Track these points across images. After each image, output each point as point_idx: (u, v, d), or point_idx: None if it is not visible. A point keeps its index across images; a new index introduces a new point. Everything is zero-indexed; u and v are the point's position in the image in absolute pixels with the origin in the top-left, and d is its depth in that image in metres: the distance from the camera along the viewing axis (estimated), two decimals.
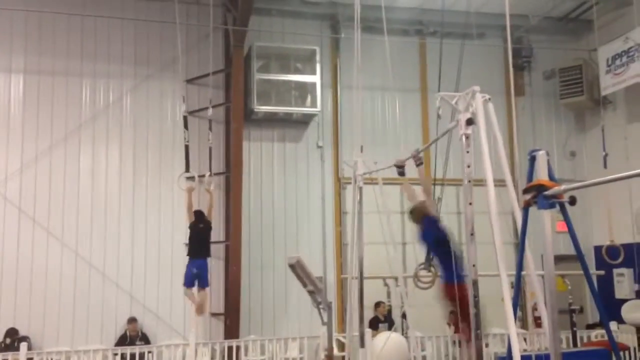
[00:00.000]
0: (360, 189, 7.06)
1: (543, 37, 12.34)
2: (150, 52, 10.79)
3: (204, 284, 8.02)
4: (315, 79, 10.99)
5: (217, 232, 10.55)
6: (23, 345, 8.17)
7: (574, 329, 8.87)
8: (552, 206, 3.67)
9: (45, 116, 10.30)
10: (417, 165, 5.92)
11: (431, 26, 11.64)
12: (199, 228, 8.12)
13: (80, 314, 9.89)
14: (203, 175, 8.70)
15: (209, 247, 8.37)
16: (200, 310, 8.01)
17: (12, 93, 10.31)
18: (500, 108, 11.34)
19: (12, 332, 9.40)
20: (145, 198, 10.44)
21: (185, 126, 8.68)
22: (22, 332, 9.52)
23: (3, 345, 9.21)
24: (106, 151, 10.52)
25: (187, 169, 8.35)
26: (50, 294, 9.84)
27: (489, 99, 4.59)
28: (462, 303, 4.82)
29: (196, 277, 7.97)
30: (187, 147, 8.52)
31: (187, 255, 8.25)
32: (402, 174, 6.11)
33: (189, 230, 8.27)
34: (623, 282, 11.10)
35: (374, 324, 9.87)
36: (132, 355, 8.59)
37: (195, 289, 8.00)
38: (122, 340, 9.70)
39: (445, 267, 5.27)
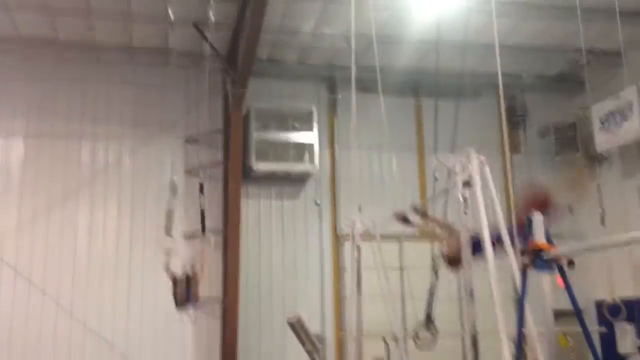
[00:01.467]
0: (359, 247, 7.06)
1: (537, 96, 12.59)
2: (149, 113, 10.98)
3: None
4: (312, 137, 11.15)
5: (215, 291, 10.49)
6: None
7: None
8: (550, 268, 3.70)
9: (44, 177, 10.39)
10: (422, 217, 5.93)
11: (426, 86, 11.89)
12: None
13: None
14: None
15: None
16: None
17: (13, 155, 10.44)
18: (496, 165, 11.49)
19: None
20: (142, 259, 10.38)
21: (171, 190, 8.68)
22: None
23: None
24: (104, 212, 10.54)
25: (168, 232, 8.29)
26: (44, 356, 9.65)
27: (485, 160, 4.68)
28: None
29: None
30: (171, 212, 8.48)
31: None
32: (406, 220, 6.09)
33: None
34: (626, 338, 10.94)
35: None
36: None
37: None
38: None
39: None
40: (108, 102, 10.88)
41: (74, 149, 10.62)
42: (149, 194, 10.68)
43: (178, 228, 9.66)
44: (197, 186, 10.30)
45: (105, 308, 10.08)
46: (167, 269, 7.90)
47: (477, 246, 5.09)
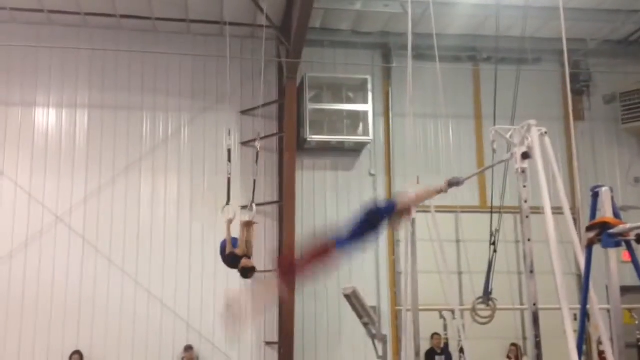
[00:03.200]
0: (414, 219, 6.98)
1: (602, 61, 12.01)
2: (206, 85, 11.11)
3: None
4: (367, 107, 11.03)
5: (270, 261, 10.66)
6: None
7: None
8: (617, 245, 3.56)
9: (108, 148, 10.73)
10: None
11: (485, 52, 11.53)
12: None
13: (139, 341, 10.12)
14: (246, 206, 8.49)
15: None
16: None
17: (78, 127, 10.80)
18: (559, 134, 11.14)
19: (76, 356, 9.70)
20: (202, 227, 10.64)
21: (229, 159, 8.69)
22: (86, 357, 9.81)
23: None
24: (165, 181, 10.83)
25: (228, 202, 8.31)
26: (111, 321, 10.12)
27: (546, 132, 4.50)
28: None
29: None
30: (229, 180, 8.51)
31: None
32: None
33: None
34: None
35: (430, 356, 9.69)
36: None
37: None
38: None
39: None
40: (167, 73, 11.07)
41: (136, 120, 10.90)
42: (207, 164, 10.88)
43: (236, 198, 9.76)
44: (253, 157, 10.43)
45: (167, 275, 10.43)
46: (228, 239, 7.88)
47: None
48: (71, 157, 10.64)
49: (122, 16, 10.70)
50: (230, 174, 8.47)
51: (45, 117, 10.78)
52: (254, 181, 8.22)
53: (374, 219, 4.82)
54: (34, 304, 10.00)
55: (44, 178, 10.45)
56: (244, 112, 11.02)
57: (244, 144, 10.83)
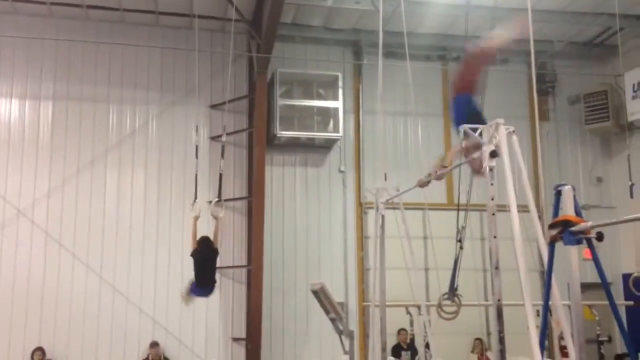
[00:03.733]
0: (383, 216, 7.03)
1: (568, 62, 12.27)
2: (175, 78, 10.99)
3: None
4: (337, 104, 11.06)
5: (239, 257, 10.64)
6: None
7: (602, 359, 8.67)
8: (579, 242, 3.63)
9: (72, 141, 10.52)
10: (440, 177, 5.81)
11: (454, 51, 11.66)
12: (205, 255, 7.71)
13: (104, 337, 9.97)
14: (217, 201, 8.42)
15: (214, 275, 7.97)
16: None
17: (42, 119, 10.56)
18: (524, 133, 11.30)
19: (38, 352, 9.51)
20: (169, 222, 10.54)
21: (196, 155, 8.64)
22: (48, 354, 9.62)
23: None
24: (132, 175, 10.67)
25: (196, 198, 8.26)
26: (74, 317, 9.94)
27: (513, 131, 4.57)
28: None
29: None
30: (196, 176, 8.46)
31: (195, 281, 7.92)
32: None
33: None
34: None
35: (397, 352, 9.78)
36: None
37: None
38: None
39: None
40: (135, 65, 10.90)
41: (102, 112, 10.72)
42: (175, 159, 10.76)
43: (205, 192, 9.69)
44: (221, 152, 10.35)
45: (133, 271, 10.30)
46: (194, 235, 7.89)
47: None
48: (34, 149, 10.41)
49: (89, 6, 10.50)
50: (197, 170, 8.42)
51: (8, 108, 10.50)
52: (220, 175, 8.14)
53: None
54: None
55: (5, 171, 10.20)
56: (213, 107, 10.93)
57: (213, 138, 10.75)
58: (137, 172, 10.69)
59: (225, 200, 9.08)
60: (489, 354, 10.15)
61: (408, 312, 8.29)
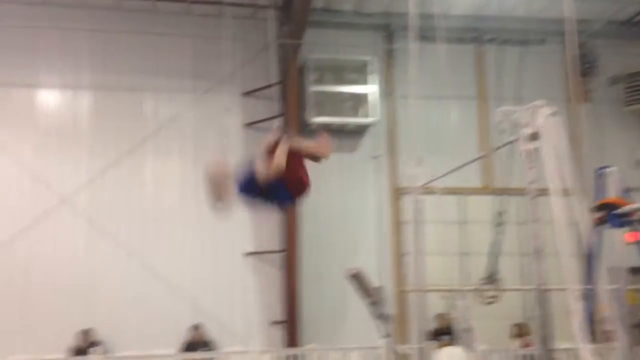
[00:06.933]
0: (419, 201, 7.00)
1: (607, 42, 11.90)
2: (207, 66, 11.04)
3: None
4: (369, 89, 11.01)
5: (275, 242, 10.72)
6: (93, 351, 8.77)
7: None
8: (623, 225, 3.58)
9: (111, 130, 10.70)
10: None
11: (488, 33, 11.44)
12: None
13: (146, 321, 10.12)
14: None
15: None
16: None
17: (81, 108, 10.76)
18: (562, 116, 11.04)
19: (86, 335, 9.72)
20: (206, 207, 10.60)
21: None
22: (94, 336, 9.84)
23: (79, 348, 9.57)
24: (168, 163, 10.83)
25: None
26: (117, 301, 10.14)
27: (555, 112, 4.49)
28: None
29: None
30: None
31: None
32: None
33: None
34: None
35: (436, 336, 9.76)
36: None
37: None
38: (187, 347, 9.94)
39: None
40: (168, 54, 10.99)
41: (138, 101, 10.88)
42: (209, 147, 10.84)
43: None
44: (256, 140, 10.40)
45: (173, 256, 10.46)
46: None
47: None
48: (75, 139, 10.61)
49: None
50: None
51: (49, 98, 10.75)
52: None
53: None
54: (39, 286, 10.00)
55: (48, 160, 10.42)
56: (246, 94, 10.98)
57: (247, 125, 10.81)
58: (174, 159, 10.84)
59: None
60: (529, 340, 10.05)
61: (447, 297, 8.26)
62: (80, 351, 9.36)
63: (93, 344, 9.54)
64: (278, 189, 4.47)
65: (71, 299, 10.05)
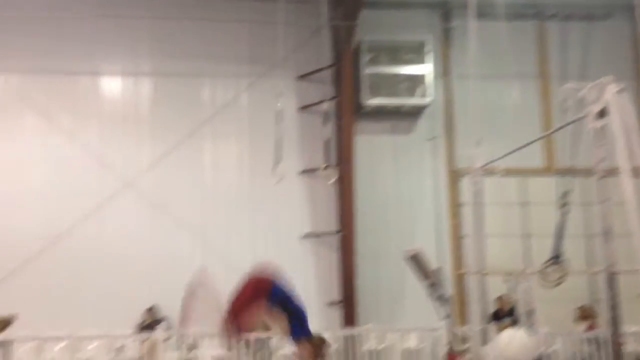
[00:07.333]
0: (479, 183, 6.88)
1: None
2: (262, 50, 11.11)
3: None
4: (425, 69, 10.85)
5: (331, 223, 10.77)
6: (159, 327, 9.18)
7: None
8: None
9: (171, 114, 10.97)
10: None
11: (550, 8, 11.03)
12: None
13: (208, 298, 10.38)
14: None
15: None
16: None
17: (142, 94, 11.08)
18: (630, 93, 10.61)
19: (152, 312, 10.07)
20: (262, 191, 10.78)
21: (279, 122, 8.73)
22: (158, 314, 10.18)
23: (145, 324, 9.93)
24: (225, 147, 11.03)
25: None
26: (181, 279, 10.36)
27: (623, 89, 4.32)
28: None
29: None
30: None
31: None
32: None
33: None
34: None
35: (496, 318, 9.63)
36: None
37: None
38: None
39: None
40: (224, 40, 11.14)
41: (196, 86, 11.11)
42: (266, 130, 10.93)
43: (292, 164, 9.88)
44: (310, 123, 10.49)
45: (232, 237, 10.68)
46: None
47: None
48: (137, 122, 10.93)
49: None
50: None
51: (111, 86, 11.10)
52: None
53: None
54: (108, 266, 10.32)
55: (113, 145, 10.77)
56: (300, 77, 11.02)
57: (302, 108, 10.86)
58: (231, 143, 11.06)
59: (314, 170, 9.21)
60: (594, 322, 9.77)
61: (509, 279, 8.11)
62: (147, 327, 9.71)
63: (158, 320, 9.88)
64: None
65: (137, 277, 10.38)
